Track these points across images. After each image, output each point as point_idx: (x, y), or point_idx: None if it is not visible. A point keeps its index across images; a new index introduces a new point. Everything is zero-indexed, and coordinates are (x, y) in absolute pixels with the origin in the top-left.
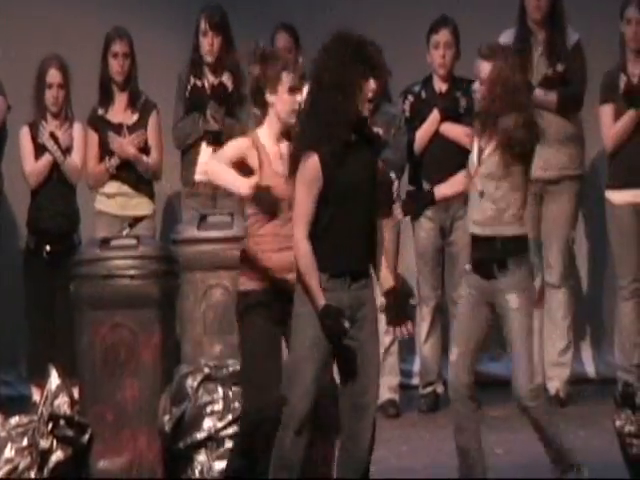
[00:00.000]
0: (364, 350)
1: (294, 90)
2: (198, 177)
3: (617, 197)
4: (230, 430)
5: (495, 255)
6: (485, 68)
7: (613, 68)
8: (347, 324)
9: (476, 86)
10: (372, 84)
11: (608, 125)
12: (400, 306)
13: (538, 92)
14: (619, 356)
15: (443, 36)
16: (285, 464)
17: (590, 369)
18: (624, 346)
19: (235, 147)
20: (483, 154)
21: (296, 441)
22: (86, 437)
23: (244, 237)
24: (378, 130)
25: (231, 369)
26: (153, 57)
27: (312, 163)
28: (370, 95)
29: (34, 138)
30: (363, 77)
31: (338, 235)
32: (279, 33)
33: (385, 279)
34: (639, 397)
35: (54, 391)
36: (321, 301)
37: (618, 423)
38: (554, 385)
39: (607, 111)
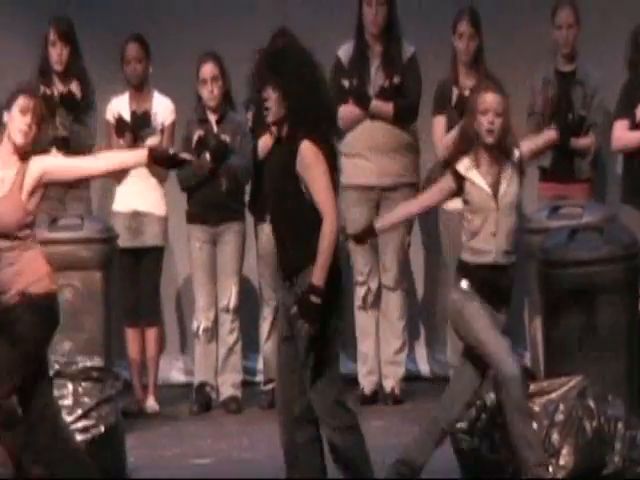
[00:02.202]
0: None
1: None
2: None
3: (448, 203)
4: (79, 424)
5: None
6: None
7: (444, 80)
8: None
9: None
10: None
11: (440, 135)
12: None
13: (375, 103)
14: (451, 355)
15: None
16: None
17: (424, 367)
18: (456, 346)
19: None
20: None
21: None
22: None
23: (94, 238)
24: (226, 137)
25: (80, 365)
26: (3, 66)
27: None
28: None
29: None
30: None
31: None
32: (130, 44)
33: None
34: None
35: None
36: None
37: None
38: (389, 383)
39: (439, 122)
